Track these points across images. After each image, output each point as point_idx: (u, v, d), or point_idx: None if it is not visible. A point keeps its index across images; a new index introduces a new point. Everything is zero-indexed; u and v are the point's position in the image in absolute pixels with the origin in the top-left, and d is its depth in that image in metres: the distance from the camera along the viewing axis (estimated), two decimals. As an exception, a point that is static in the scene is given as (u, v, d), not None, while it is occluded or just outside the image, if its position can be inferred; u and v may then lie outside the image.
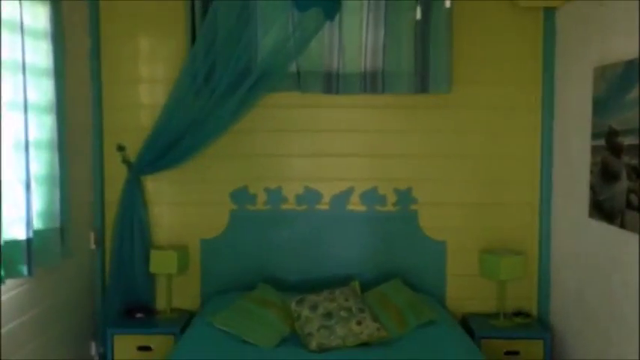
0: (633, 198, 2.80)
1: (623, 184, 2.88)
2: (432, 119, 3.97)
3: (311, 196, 3.99)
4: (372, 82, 3.85)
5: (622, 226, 2.90)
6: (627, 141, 2.85)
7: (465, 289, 4.04)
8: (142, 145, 3.85)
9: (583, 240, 3.41)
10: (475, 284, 4.02)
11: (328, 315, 3.29)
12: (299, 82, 3.86)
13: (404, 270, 3.98)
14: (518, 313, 3.89)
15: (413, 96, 3.91)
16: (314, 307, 3.35)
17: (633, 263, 2.85)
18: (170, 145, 3.79)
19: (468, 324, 3.84)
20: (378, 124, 3.98)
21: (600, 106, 3.13)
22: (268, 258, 3.99)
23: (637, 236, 2.79)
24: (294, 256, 3.99)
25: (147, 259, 3.85)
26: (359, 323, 3.25)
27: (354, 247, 3.99)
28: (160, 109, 3.82)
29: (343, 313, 3.31)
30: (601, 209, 3.12)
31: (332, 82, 3.85)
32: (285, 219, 3.99)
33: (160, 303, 3.99)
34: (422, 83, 3.81)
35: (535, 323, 3.86)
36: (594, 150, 3.20)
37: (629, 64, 2.84)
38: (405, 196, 3.99)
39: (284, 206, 4.00)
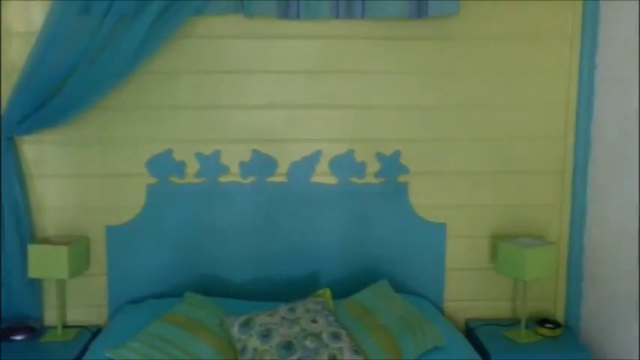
0: None
1: None
2: (431, 55, 2.86)
3: (261, 164, 2.87)
4: (348, 3, 2.70)
5: None
6: None
7: (470, 287, 3.04)
8: (12, 91, 2.64)
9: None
10: (483, 281, 3.03)
11: (287, 346, 2.20)
12: (242, 1, 2.68)
13: (389, 264, 2.95)
14: (543, 322, 2.88)
15: (405, 22, 2.79)
16: (266, 334, 2.25)
17: None
18: (53, 91, 2.61)
19: (475, 337, 2.83)
20: (356, 62, 2.85)
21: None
22: (201, 251, 2.89)
23: None
24: (237, 248, 2.90)
25: (26, 257, 2.68)
26: (333, 358, 2.18)
27: (321, 234, 2.91)
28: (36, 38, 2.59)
29: (310, 343, 2.22)
30: (693, 186, 2.10)
31: (290, 2, 2.69)
32: (226, 196, 2.87)
33: (50, 317, 2.85)
34: (419, 3, 2.67)
35: (570, 337, 2.86)
36: (683, 97, 2.15)
37: None
38: (391, 164, 2.91)
39: (224, 178, 2.88)
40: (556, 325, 2.86)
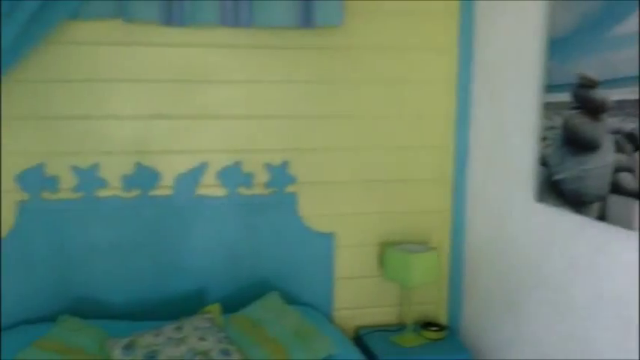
0: (626, 178, 1.92)
1: (606, 157, 2.01)
2: (318, 65, 2.87)
3: (144, 176, 2.74)
4: (235, 10, 2.64)
5: (601, 217, 2.03)
6: (615, 95, 1.96)
7: (359, 295, 3.08)
8: None
9: (523, 232, 2.54)
10: (371, 288, 3.08)
11: (174, 367, 2.11)
12: (121, 4, 2.56)
13: (279, 275, 2.91)
14: (428, 325, 2.98)
15: (292, 32, 2.79)
16: (151, 356, 2.14)
17: (617, 270, 2.00)
18: None
19: (364, 344, 2.87)
20: (243, 72, 2.80)
21: (561, 45, 2.22)
22: (80, 271, 2.70)
23: (630, 233, 1.93)
24: (119, 267, 2.74)
25: None
26: (223, 377, 2.12)
27: (208, 249, 2.82)
28: None
29: (198, 362, 2.14)
30: (559, 192, 2.24)
31: (173, 8, 2.59)
32: (106, 211, 2.71)
33: None
34: (305, 13, 2.68)
35: (453, 339, 2.97)
36: (550, 108, 2.30)
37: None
38: (279, 174, 2.88)
39: (103, 193, 2.72)
40: (440, 327, 2.96)
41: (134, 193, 2.73)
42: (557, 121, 2.25)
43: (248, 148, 2.84)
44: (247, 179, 2.84)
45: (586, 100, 2.09)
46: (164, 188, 2.77)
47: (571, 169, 2.18)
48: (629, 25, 1.89)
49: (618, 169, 1.95)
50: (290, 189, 2.91)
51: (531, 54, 2.43)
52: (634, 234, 1.92)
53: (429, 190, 3.06)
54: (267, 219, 2.88)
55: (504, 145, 2.67)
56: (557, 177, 2.26)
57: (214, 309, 2.48)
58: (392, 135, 2.99)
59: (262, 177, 2.87)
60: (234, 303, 2.70)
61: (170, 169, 2.77)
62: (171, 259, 2.77)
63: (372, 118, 2.96)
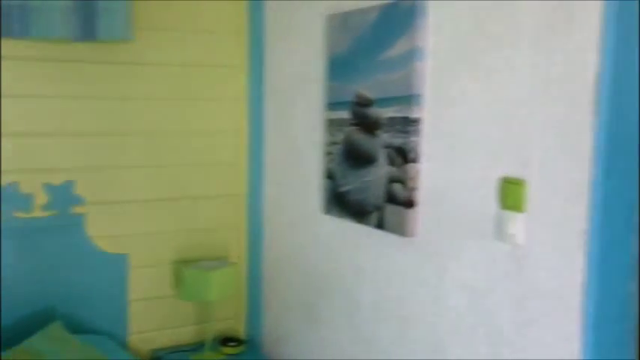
0: (398, 188, 2.10)
1: (381, 170, 2.18)
2: (105, 80, 2.73)
3: None
4: (7, 19, 2.40)
5: (380, 226, 2.20)
6: (387, 113, 2.14)
7: (155, 317, 2.97)
8: None
9: (314, 243, 2.66)
10: (167, 309, 3.00)
11: None
12: None
13: (68, 303, 2.71)
14: (226, 340, 2.97)
15: (76, 45, 2.61)
16: None
17: (395, 274, 2.18)
18: None
19: (162, 367, 2.79)
20: (15, 86, 2.56)
21: (340, 66, 2.37)
22: None
23: (403, 239, 2.11)
24: None
25: None
26: (-5, 422, 1.90)
27: (-20, 279, 2.53)
28: None
29: (-36, 410, 1.90)
30: (345, 203, 2.39)
31: None
32: None
33: None
34: (87, 26, 2.53)
35: (252, 351, 2.99)
36: (333, 125, 2.44)
37: (392, 7, 2.12)
38: (63, 195, 2.68)
39: None
40: (239, 342, 2.97)
41: None
42: (339, 136, 2.39)
43: (23, 167, 2.59)
44: (25, 201, 2.60)
45: (363, 117, 2.26)
46: None
47: (353, 182, 2.33)
48: (396, 50, 2.09)
49: (392, 181, 2.13)
50: (77, 210, 2.72)
51: (315, 73, 2.55)
52: (407, 240, 2.10)
53: (224, 206, 3.07)
54: (50, 243, 2.66)
55: (296, 160, 2.76)
56: (341, 189, 2.40)
57: (-15, 347, 2.22)
58: (184, 152, 2.95)
59: (42, 198, 2.64)
60: (14, 336, 2.45)
61: None
62: None
63: (165, 135, 2.90)
